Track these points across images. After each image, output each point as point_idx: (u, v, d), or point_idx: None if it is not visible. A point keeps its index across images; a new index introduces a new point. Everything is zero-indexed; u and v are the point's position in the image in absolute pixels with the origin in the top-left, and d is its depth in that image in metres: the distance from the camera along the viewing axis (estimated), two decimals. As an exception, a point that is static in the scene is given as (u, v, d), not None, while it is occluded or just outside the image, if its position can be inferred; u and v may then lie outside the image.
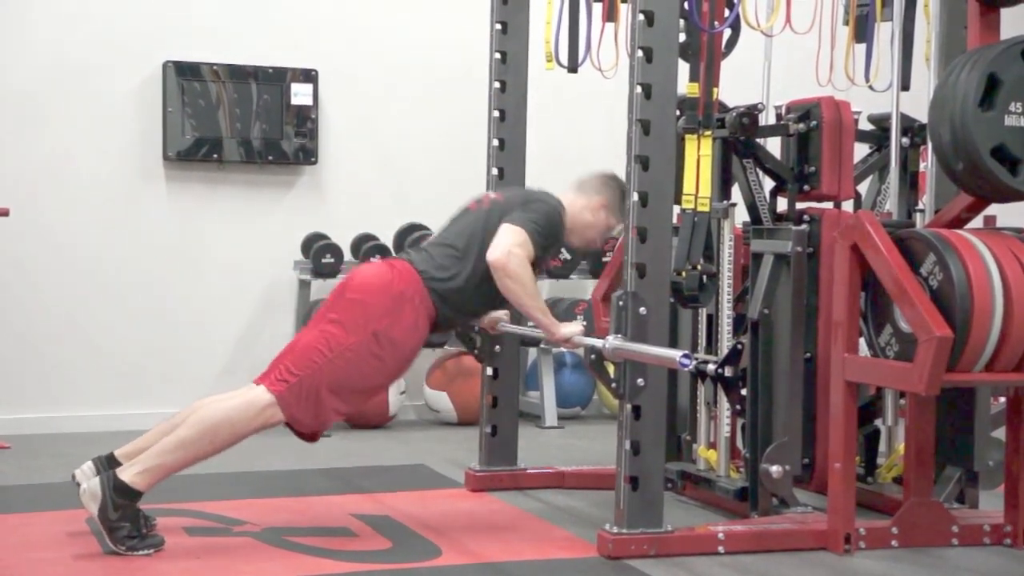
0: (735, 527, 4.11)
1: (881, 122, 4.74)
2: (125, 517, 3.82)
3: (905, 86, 4.59)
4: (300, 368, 3.96)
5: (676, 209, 4.19)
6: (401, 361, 4.10)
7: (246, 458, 5.56)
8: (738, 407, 4.41)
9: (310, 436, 4.12)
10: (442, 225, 4.34)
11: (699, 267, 4.27)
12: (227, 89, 6.41)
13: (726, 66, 4.47)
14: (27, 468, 5.30)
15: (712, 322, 4.65)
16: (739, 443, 4.61)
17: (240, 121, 6.44)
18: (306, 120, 6.56)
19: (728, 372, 4.31)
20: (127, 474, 3.83)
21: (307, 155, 6.58)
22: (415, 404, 6.78)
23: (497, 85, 4.96)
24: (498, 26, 4.94)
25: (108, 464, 3.98)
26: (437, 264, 4.13)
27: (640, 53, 3.92)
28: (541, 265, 4.28)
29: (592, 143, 6.87)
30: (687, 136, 4.25)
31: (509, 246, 4.04)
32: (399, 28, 6.83)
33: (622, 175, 3.99)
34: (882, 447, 4.71)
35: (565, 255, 6.68)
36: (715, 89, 4.32)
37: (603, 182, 4.39)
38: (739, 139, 4.45)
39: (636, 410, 3.93)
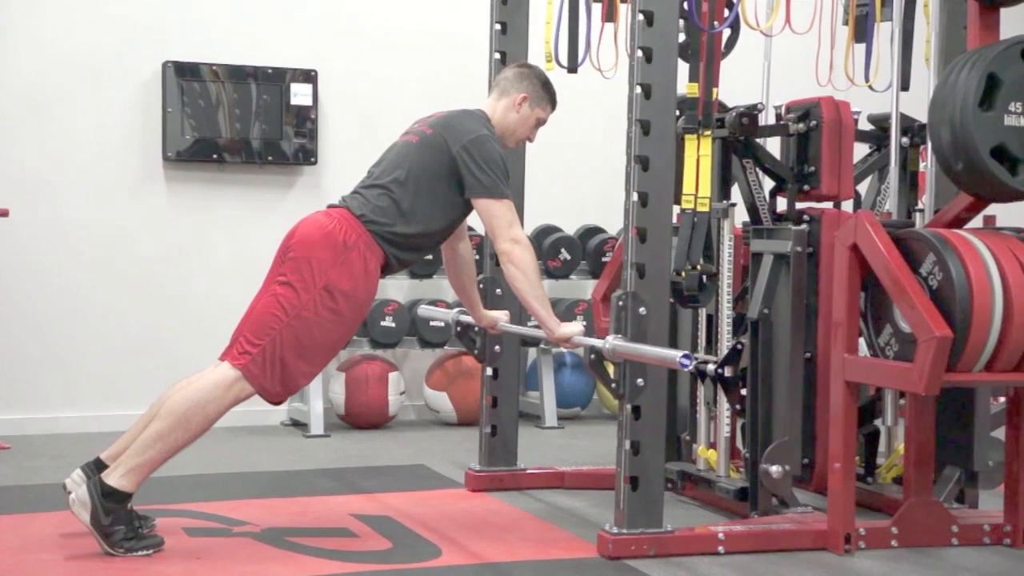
0: (735, 527, 4.11)
1: (881, 122, 4.74)
2: (118, 520, 3.81)
3: (905, 86, 4.59)
4: (260, 337, 3.91)
5: (676, 209, 4.19)
6: (358, 310, 4.02)
7: (246, 458, 5.58)
8: (738, 407, 4.42)
9: (277, 399, 4.04)
10: (374, 163, 4.25)
11: (699, 267, 4.27)
12: (227, 89, 6.41)
13: (726, 66, 4.47)
14: (26, 469, 5.30)
15: (712, 322, 4.65)
16: (739, 443, 4.62)
17: (240, 121, 6.44)
18: (306, 121, 6.56)
19: (728, 372, 4.32)
20: (113, 477, 3.82)
21: (307, 156, 6.58)
22: (415, 404, 6.78)
23: (497, 85, 4.95)
24: (497, 26, 4.94)
25: (96, 469, 3.95)
26: (374, 207, 4.05)
27: (640, 53, 3.92)
28: None
29: (592, 143, 6.88)
30: (687, 136, 4.26)
31: (508, 231, 4.03)
32: (398, 28, 6.83)
33: (623, 176, 3.98)
34: (882, 447, 4.71)
35: (565, 256, 6.69)
36: (715, 89, 4.32)
37: (519, 76, 4.31)
38: (739, 139, 4.45)
39: (636, 410, 3.93)
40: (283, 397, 4.01)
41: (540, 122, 4.34)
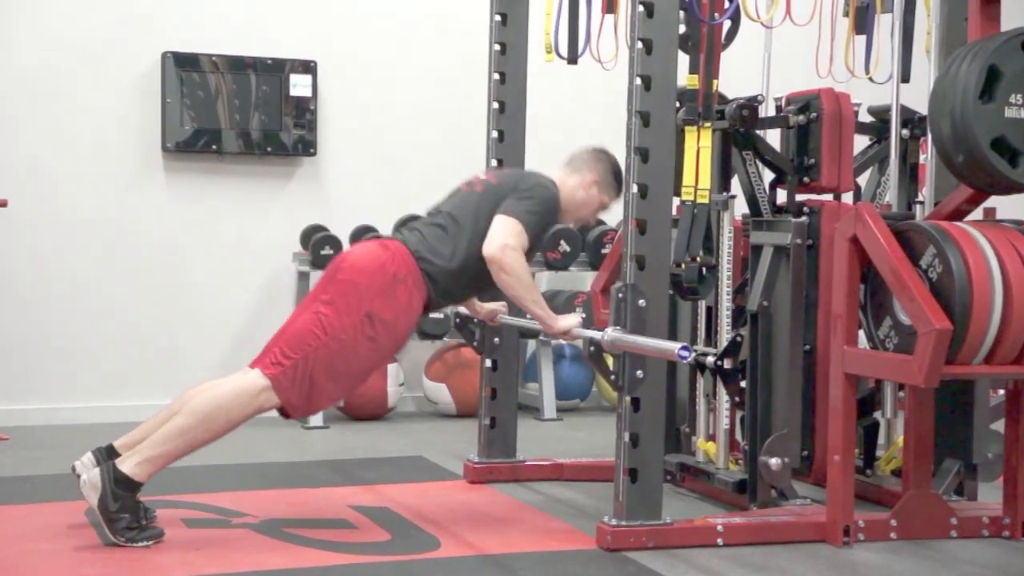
0: (734, 519, 4.12)
1: (881, 114, 4.74)
2: (125, 508, 3.82)
3: (905, 78, 4.58)
4: (294, 351, 3.94)
5: (676, 201, 4.18)
6: (395, 342, 4.08)
7: (245, 450, 5.58)
8: (737, 399, 4.42)
9: (298, 415, 4.08)
10: (434, 204, 4.30)
11: (698, 259, 4.27)
12: (226, 80, 6.41)
13: (726, 58, 4.47)
14: (26, 459, 5.30)
15: (711, 314, 4.64)
16: (738, 435, 4.61)
17: (239, 112, 6.44)
18: (305, 111, 6.55)
19: (727, 364, 4.31)
20: (127, 465, 3.83)
21: (306, 146, 6.58)
22: (414, 396, 6.78)
23: (496, 77, 4.95)
24: (498, 17, 4.93)
25: (108, 455, 3.98)
26: (429, 246, 4.11)
27: (640, 45, 3.91)
28: (536, 249, 4.26)
29: (591, 135, 6.85)
30: (687, 128, 4.26)
31: (503, 239, 4.04)
32: (398, 19, 6.82)
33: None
34: (881, 439, 4.72)
35: (564, 248, 6.69)
36: (715, 81, 4.32)
37: (595, 158, 4.37)
38: (739, 131, 4.44)
39: (635, 402, 3.93)
40: (304, 414, 4.09)
41: (603, 206, 4.41)
